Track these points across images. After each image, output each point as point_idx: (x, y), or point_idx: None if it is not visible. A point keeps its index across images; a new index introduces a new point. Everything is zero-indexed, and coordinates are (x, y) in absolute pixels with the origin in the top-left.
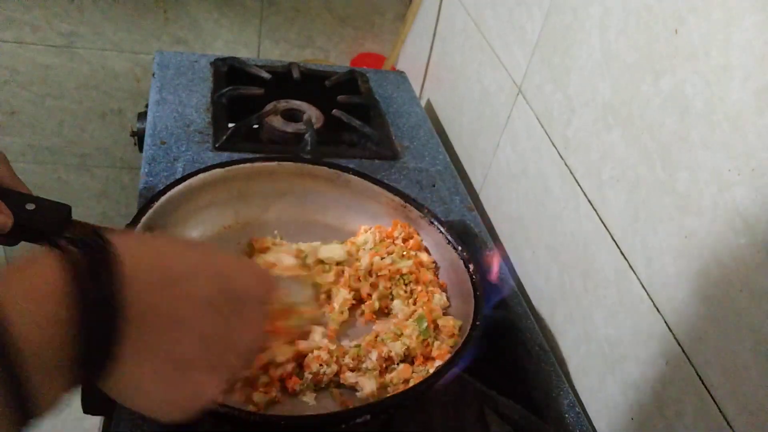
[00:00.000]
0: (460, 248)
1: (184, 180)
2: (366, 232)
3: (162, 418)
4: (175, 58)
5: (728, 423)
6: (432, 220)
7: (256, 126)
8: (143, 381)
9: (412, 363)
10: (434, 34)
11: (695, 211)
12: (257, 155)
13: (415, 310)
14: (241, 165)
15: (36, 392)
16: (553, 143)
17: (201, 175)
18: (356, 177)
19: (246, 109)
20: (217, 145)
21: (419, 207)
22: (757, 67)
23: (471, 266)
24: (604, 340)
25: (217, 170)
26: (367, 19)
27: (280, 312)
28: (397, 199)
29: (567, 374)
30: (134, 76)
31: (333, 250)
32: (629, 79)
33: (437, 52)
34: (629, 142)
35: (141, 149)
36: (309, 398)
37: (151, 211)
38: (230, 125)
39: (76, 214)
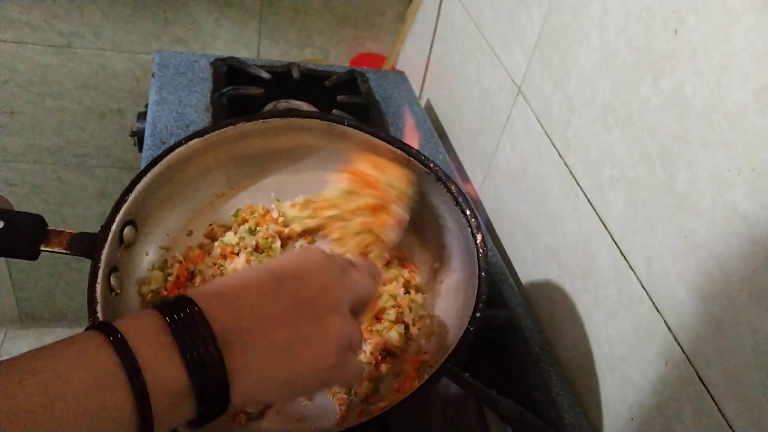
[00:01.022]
0: (468, 212)
1: (162, 158)
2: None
3: (303, 395)
4: (174, 58)
5: (728, 423)
6: (440, 176)
7: None
8: (262, 379)
9: (407, 329)
10: (434, 34)
11: (695, 211)
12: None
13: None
14: (223, 129)
15: (158, 423)
16: (552, 143)
17: (179, 149)
18: (353, 129)
19: (246, 109)
20: None
21: (425, 162)
22: (757, 67)
23: (479, 237)
24: (604, 340)
25: (196, 140)
26: (367, 19)
27: None
28: (399, 152)
29: (567, 374)
30: (134, 76)
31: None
32: (629, 79)
33: (437, 52)
34: (629, 142)
35: (141, 149)
36: (303, 398)
37: (127, 202)
38: None
39: (76, 215)
